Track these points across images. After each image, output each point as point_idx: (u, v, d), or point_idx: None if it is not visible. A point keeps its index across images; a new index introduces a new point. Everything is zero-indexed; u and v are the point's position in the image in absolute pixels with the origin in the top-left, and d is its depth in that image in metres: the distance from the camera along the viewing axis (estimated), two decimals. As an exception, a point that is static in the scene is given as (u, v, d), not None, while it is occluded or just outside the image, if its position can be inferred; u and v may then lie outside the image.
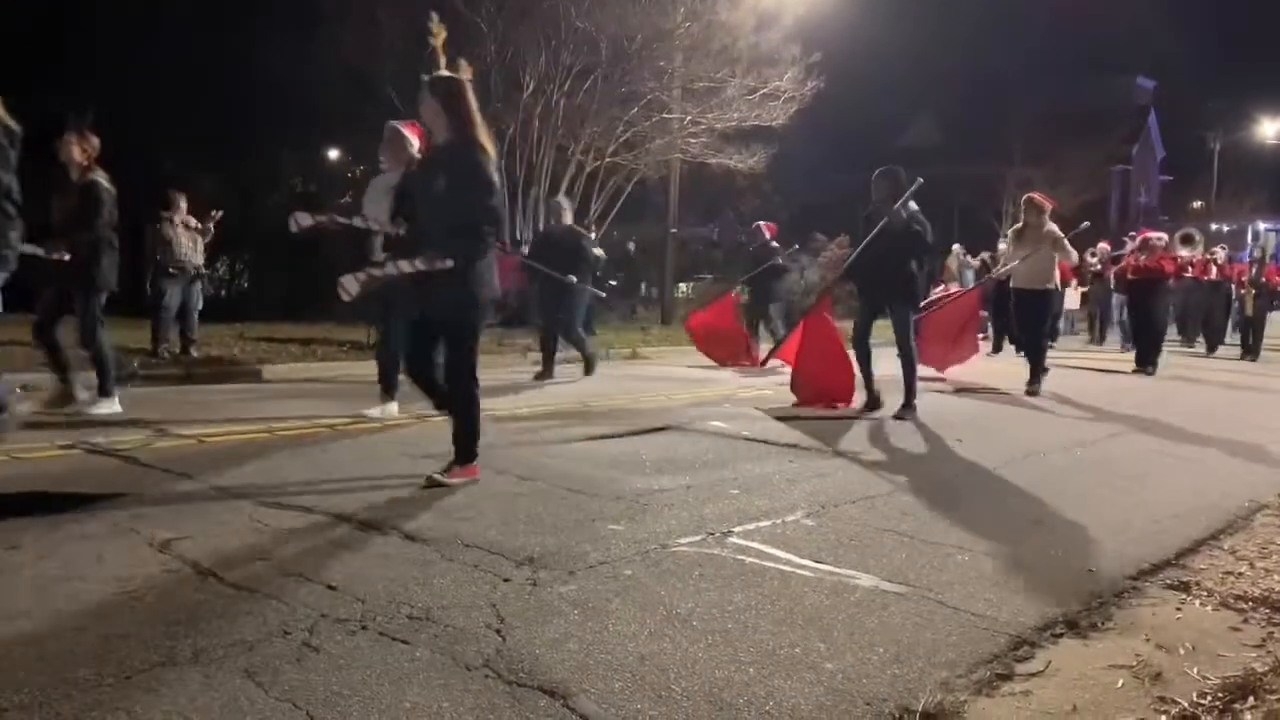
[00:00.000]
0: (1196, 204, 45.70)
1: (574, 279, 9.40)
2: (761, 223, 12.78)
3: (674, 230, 18.47)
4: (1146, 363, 11.83)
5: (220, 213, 10.44)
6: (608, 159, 16.13)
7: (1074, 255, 9.55)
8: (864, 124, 40.74)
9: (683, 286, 24.99)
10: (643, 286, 26.37)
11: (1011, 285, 9.52)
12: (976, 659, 2.60)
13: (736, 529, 3.82)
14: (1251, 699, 2.40)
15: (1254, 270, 15.70)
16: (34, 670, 2.35)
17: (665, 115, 16.03)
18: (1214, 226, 44.72)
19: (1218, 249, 17.34)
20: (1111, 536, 3.88)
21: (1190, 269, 15.67)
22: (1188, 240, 16.19)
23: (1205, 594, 3.21)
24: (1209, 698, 2.41)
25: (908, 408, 7.09)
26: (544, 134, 15.52)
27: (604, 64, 15.29)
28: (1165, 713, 2.35)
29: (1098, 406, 8.30)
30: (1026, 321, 9.64)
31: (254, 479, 4.46)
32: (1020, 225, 9.48)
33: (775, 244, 12.33)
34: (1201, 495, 4.74)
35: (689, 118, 16.12)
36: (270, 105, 18.86)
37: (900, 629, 2.80)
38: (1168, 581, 3.34)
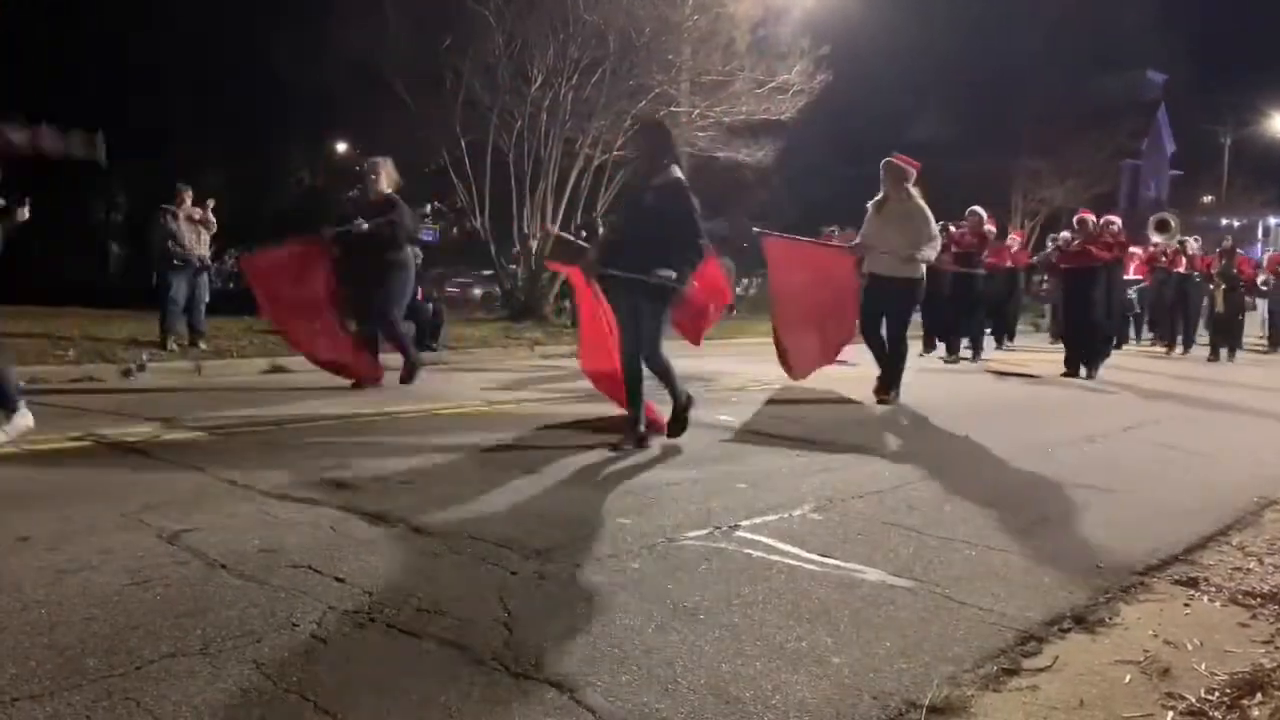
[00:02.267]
0: (1207, 199, 45.44)
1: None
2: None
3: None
4: (1078, 365, 10.24)
5: (212, 201, 10.47)
6: (615, 152, 16.10)
7: (933, 252, 7.67)
8: (872, 117, 40.51)
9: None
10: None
11: (867, 269, 7.79)
12: (983, 654, 2.60)
13: (743, 523, 3.82)
14: (1260, 695, 2.39)
15: (1222, 262, 14.20)
16: (44, 660, 2.37)
17: (673, 109, 15.97)
18: (1224, 221, 44.50)
19: (1190, 239, 15.77)
20: (1119, 531, 3.87)
21: (1165, 259, 14.76)
22: (1162, 227, 15.05)
23: (1214, 590, 3.20)
24: (1217, 693, 2.41)
25: (632, 437, 5.45)
26: (552, 127, 15.49)
27: (612, 57, 15.25)
28: (1173, 708, 2.34)
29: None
30: (877, 316, 7.66)
31: (262, 471, 4.47)
32: (880, 197, 7.76)
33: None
34: (1210, 491, 4.72)
35: (697, 111, 16.07)
36: (278, 98, 18.90)
37: (907, 623, 2.80)
38: (1176, 577, 3.33)
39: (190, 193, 10.28)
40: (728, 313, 14.61)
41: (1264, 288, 15.95)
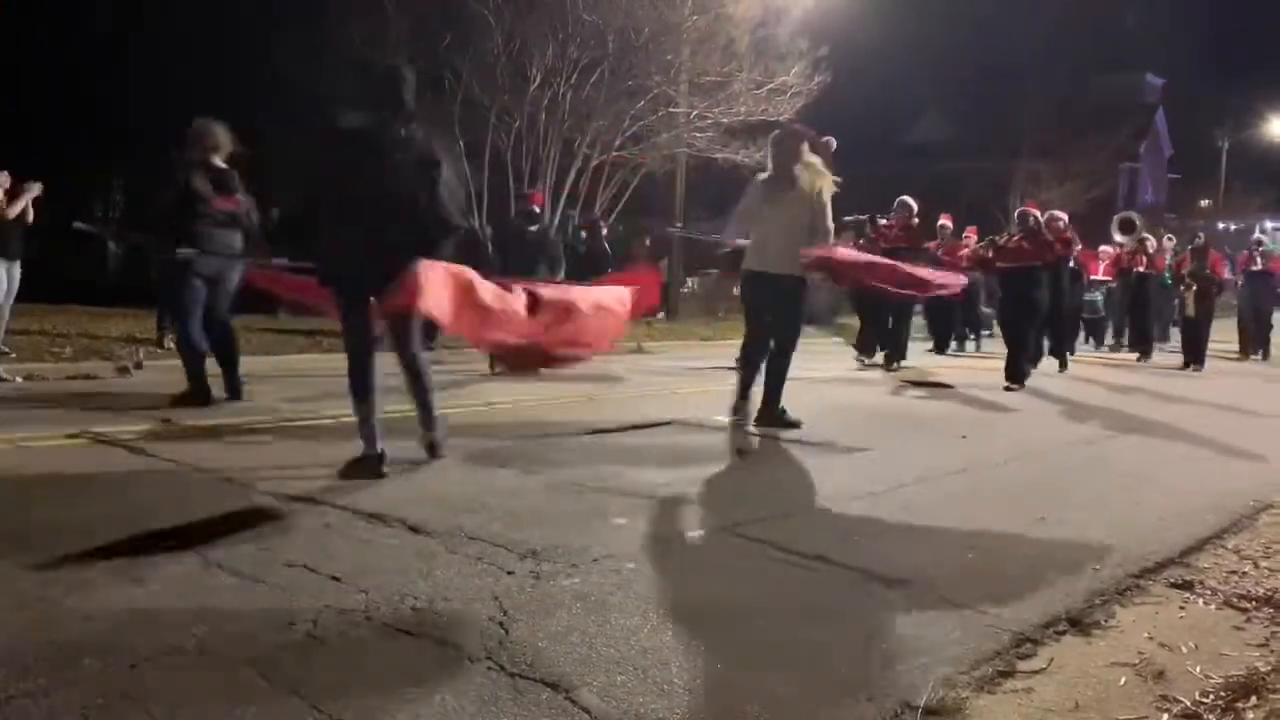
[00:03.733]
0: (1204, 202, 45.50)
1: None
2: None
3: (679, 225, 18.43)
4: (1022, 375, 9.19)
5: None
6: (614, 153, 16.11)
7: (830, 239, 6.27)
8: (871, 119, 40.53)
9: (690, 281, 24.92)
10: None
11: (744, 267, 6.37)
12: (979, 656, 2.60)
13: (740, 523, 3.82)
14: (1254, 698, 2.40)
15: (1194, 262, 12.69)
16: (40, 658, 2.36)
17: (672, 109, 15.99)
18: (1221, 225, 44.55)
19: (1150, 237, 14.32)
20: (1115, 534, 3.87)
21: (1132, 260, 13.81)
22: (1126, 227, 13.94)
23: (1209, 593, 3.21)
24: (1211, 696, 2.41)
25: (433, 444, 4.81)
26: (550, 127, 15.49)
27: (611, 57, 15.26)
28: (1167, 711, 2.35)
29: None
30: (763, 325, 6.34)
31: (259, 469, 4.46)
32: (769, 174, 6.20)
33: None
34: (1206, 494, 4.73)
35: (695, 112, 16.08)
36: (277, 98, 18.86)
37: (903, 625, 2.81)
38: (1171, 580, 3.34)
39: None
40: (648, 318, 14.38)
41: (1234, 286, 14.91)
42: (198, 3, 19.38)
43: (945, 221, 13.80)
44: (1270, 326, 14.50)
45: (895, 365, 10.62)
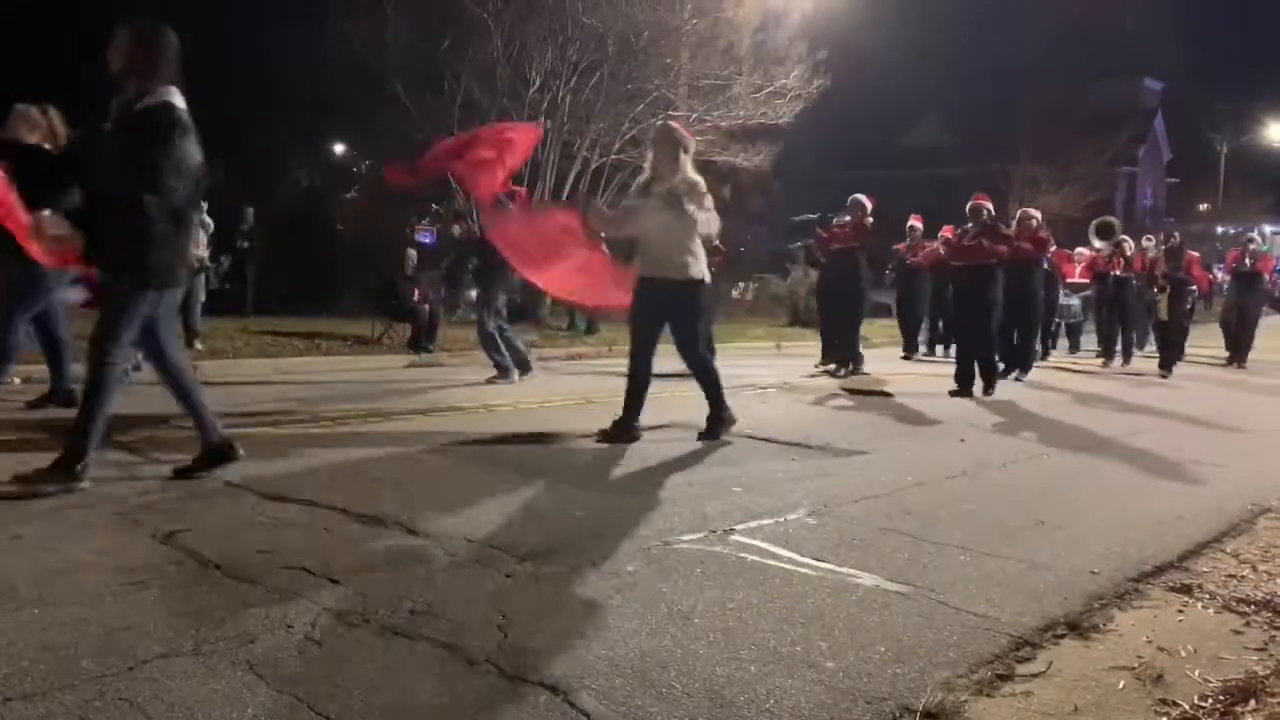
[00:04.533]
0: (1203, 206, 45.61)
1: None
2: None
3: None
4: (970, 381, 8.75)
5: (205, 203, 10.41)
6: (613, 156, 16.11)
7: (714, 231, 5.88)
8: (870, 122, 40.67)
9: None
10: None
11: (638, 272, 5.97)
12: (977, 659, 2.60)
13: (739, 527, 3.82)
14: (1253, 702, 2.40)
15: (1168, 264, 12.13)
16: (37, 660, 2.36)
17: (671, 112, 15.96)
18: (1220, 229, 44.62)
19: (1128, 240, 13.39)
20: (1114, 538, 3.87)
21: (1109, 263, 12.94)
22: (1105, 231, 13.30)
23: (1207, 597, 3.21)
24: (1210, 700, 2.41)
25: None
26: (550, 130, 15.50)
27: (610, 61, 15.27)
28: (1166, 714, 2.34)
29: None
30: (651, 332, 6.06)
31: (257, 472, 4.46)
32: (646, 176, 5.96)
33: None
34: (1205, 498, 4.73)
35: (695, 115, 16.07)
36: (275, 98, 18.88)
37: (901, 628, 2.80)
38: (1170, 584, 3.33)
39: None
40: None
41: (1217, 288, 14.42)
42: (198, 4, 19.38)
43: (915, 223, 13.37)
44: (1253, 329, 13.45)
45: (844, 370, 10.27)
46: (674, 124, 6.20)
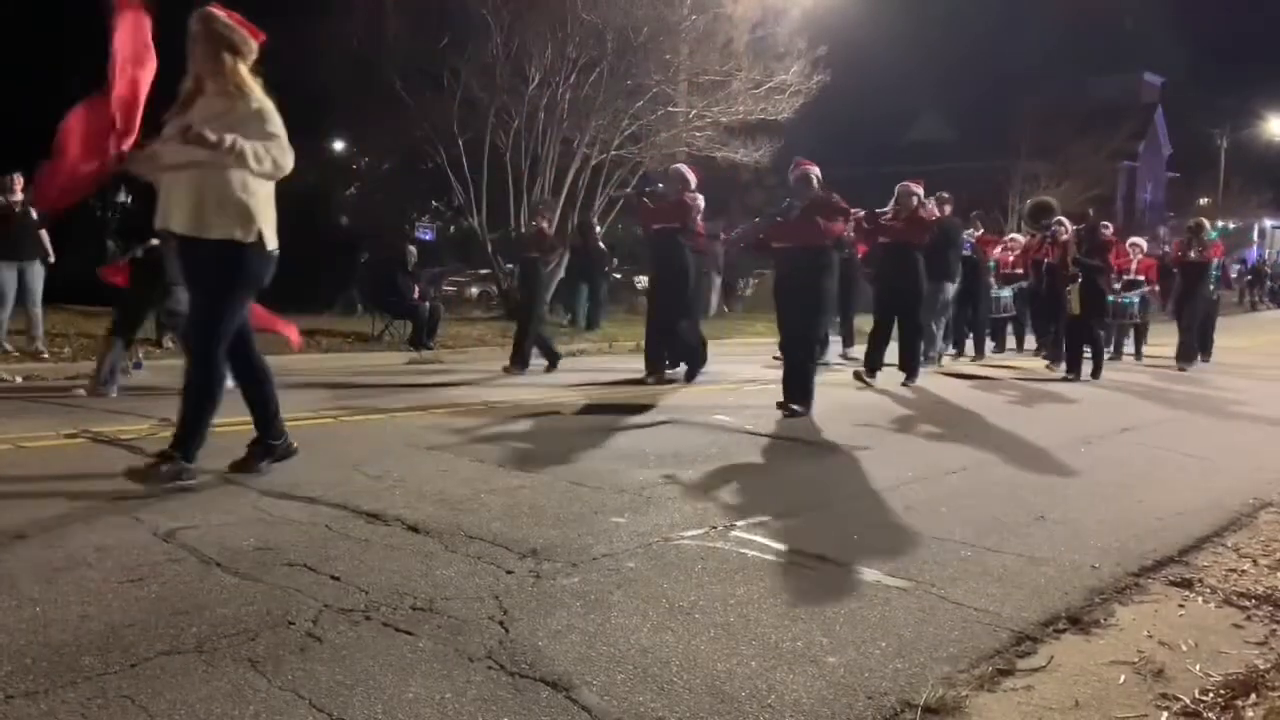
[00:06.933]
0: (1203, 201, 45.53)
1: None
2: None
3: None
4: (877, 368, 8.32)
5: None
6: (613, 152, 16.09)
7: (279, 163, 4.09)
8: (870, 118, 40.67)
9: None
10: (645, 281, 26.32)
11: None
12: (979, 654, 2.60)
13: (739, 522, 3.82)
14: (1253, 696, 2.40)
15: (1080, 248, 10.17)
16: (39, 658, 2.36)
17: (670, 109, 15.98)
18: (1220, 223, 44.57)
19: (1064, 223, 10.91)
20: (1115, 533, 3.87)
21: (1041, 249, 11.42)
22: (1039, 213, 11.29)
23: (1208, 591, 3.21)
24: (1211, 694, 2.41)
25: None
26: (549, 127, 15.48)
27: (610, 57, 15.24)
28: (1167, 709, 2.35)
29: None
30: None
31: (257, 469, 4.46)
32: (189, 83, 4.35)
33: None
34: (1205, 493, 4.73)
35: (694, 111, 16.06)
36: (274, 94, 18.88)
37: (902, 624, 2.81)
38: (1171, 578, 3.34)
39: None
40: None
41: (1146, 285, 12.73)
42: (197, 4, 19.38)
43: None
44: (1193, 325, 11.94)
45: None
46: (216, 9, 4.30)
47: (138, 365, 8.31)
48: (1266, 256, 41.31)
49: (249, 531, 3.47)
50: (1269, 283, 34.84)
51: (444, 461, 4.83)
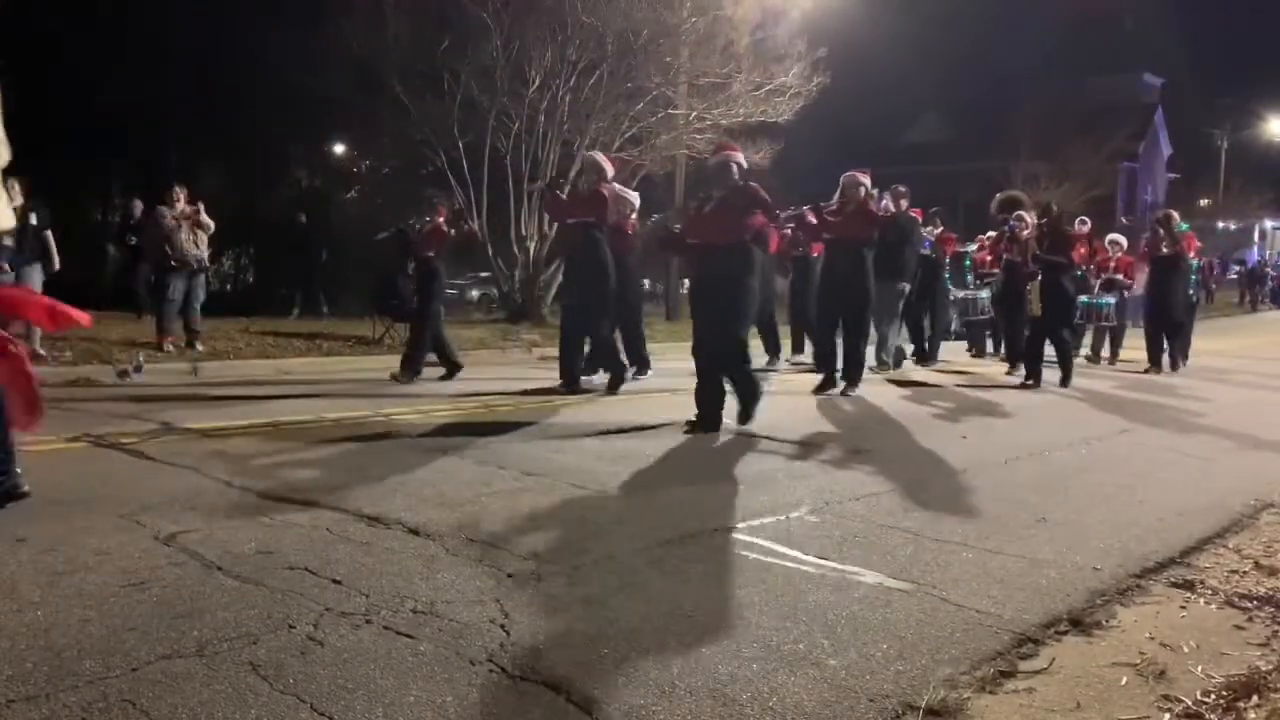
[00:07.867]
0: (1204, 201, 45.53)
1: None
2: None
3: (678, 228, 18.39)
4: (833, 377, 7.89)
5: (201, 204, 10.41)
6: (613, 154, 16.09)
7: None
8: (871, 120, 40.66)
9: (687, 282, 24.89)
10: (646, 283, 26.31)
11: None
12: (980, 656, 2.60)
13: (740, 525, 3.82)
14: (1255, 697, 2.40)
15: (1042, 244, 9.37)
16: (40, 662, 2.36)
17: (671, 111, 15.98)
18: (1220, 224, 44.57)
19: (1028, 216, 10.04)
20: (1116, 534, 3.87)
21: (1004, 246, 10.36)
22: (1009, 206, 10.42)
23: (1210, 592, 3.21)
24: (1213, 696, 2.41)
25: None
26: (549, 129, 15.48)
27: (610, 59, 15.24)
28: (1169, 710, 2.34)
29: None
30: None
31: (259, 473, 4.46)
32: None
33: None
34: (1207, 494, 4.73)
35: (694, 113, 16.06)
36: (275, 98, 18.88)
37: (904, 626, 2.80)
38: (1172, 580, 3.34)
39: (185, 192, 10.28)
40: None
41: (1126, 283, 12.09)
42: (197, 4, 19.38)
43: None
44: (1171, 325, 11.33)
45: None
46: None
47: (138, 369, 8.31)
48: (1267, 257, 41.26)
49: (250, 535, 3.47)
50: (1270, 283, 34.80)
51: (445, 464, 4.83)
